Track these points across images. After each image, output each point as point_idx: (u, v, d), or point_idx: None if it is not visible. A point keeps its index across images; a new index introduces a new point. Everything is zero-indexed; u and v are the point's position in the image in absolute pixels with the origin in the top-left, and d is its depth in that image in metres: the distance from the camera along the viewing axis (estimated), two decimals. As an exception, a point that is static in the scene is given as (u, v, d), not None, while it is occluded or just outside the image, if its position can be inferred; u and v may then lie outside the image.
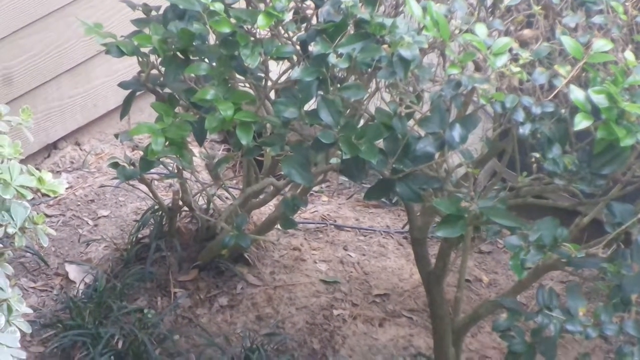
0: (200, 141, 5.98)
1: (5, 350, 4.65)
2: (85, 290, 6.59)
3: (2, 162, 4.97)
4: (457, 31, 5.07)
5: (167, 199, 6.94)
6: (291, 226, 6.28)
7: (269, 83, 5.85)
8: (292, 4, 5.56)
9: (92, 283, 6.66)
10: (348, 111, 5.54)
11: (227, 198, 6.90)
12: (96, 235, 7.18)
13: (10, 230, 4.78)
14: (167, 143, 5.77)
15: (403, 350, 6.39)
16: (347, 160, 5.34)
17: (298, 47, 5.50)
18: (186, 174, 6.65)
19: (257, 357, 6.04)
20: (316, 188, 7.46)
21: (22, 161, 4.97)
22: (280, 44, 5.53)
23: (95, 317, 6.29)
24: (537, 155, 5.09)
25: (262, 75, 5.77)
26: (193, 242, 6.91)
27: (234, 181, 7.41)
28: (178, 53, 5.75)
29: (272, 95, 5.93)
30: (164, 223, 6.91)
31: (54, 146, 7.56)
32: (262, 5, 5.61)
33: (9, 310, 4.66)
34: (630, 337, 5.14)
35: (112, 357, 6.12)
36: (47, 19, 7.21)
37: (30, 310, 4.94)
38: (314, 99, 5.37)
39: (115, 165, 6.17)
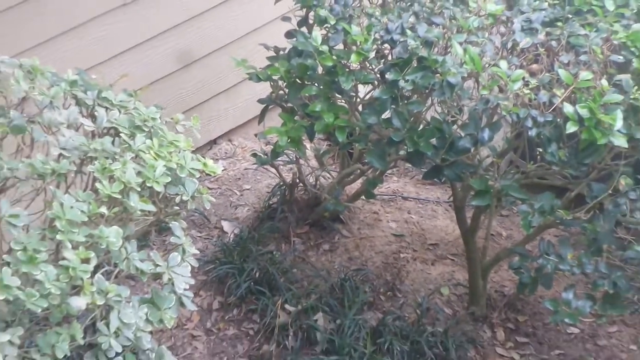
0: (311, 139, 6.08)
1: (180, 278, 4.71)
2: (234, 238, 6.76)
3: (179, 152, 5.07)
4: (487, 65, 5.32)
5: (288, 178, 6.97)
6: (372, 197, 6.49)
7: (358, 99, 6.13)
8: (374, 46, 5.63)
9: (239, 233, 6.83)
10: (412, 119, 5.62)
11: (328, 177, 7.12)
12: (241, 202, 7.35)
13: (184, 198, 4.93)
14: (288, 140, 5.94)
15: (447, 281, 6.51)
16: (411, 152, 5.55)
17: (378, 76, 5.68)
18: (301, 161, 6.94)
19: (349, 285, 6.11)
20: (389, 171, 7.55)
21: (192, 152, 5.14)
22: (366, 73, 5.74)
23: (240, 256, 6.42)
24: (540, 150, 5.38)
25: (353, 94, 6.04)
26: (305, 207, 7.03)
27: (333, 166, 7.45)
28: (297, 79, 5.95)
29: (360, 107, 6.08)
30: (286, 194, 7.05)
31: (214, 142, 7.76)
32: (354, 47, 5.66)
33: (184, 251, 4.74)
34: (602, 274, 5.29)
35: (251, 283, 6.24)
36: (209, 57, 7.28)
37: (197, 252, 5.06)
38: (388, 111, 5.57)
39: (255, 155, 6.69)
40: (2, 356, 4.20)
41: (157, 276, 4.70)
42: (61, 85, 4.98)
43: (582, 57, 5.30)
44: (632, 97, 5.14)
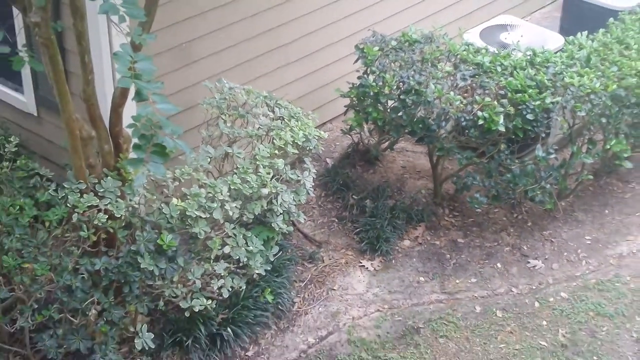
0: (366, 122, 5.83)
1: (308, 182, 4.86)
2: (331, 166, 6.16)
3: (309, 128, 5.06)
4: (444, 93, 5.24)
5: (356, 140, 6.20)
6: (392, 149, 6.10)
7: (387, 106, 5.63)
8: (395, 83, 5.42)
9: (333, 164, 6.19)
10: (411, 116, 5.40)
11: (373, 140, 6.18)
12: (335, 150, 6.41)
13: (310, 147, 5.02)
14: (356, 124, 5.85)
15: (424, 187, 6.02)
16: (410, 130, 5.46)
17: (397, 96, 5.44)
18: (362, 134, 6.09)
19: (379, 188, 5.88)
20: (401, 138, 6.14)
21: (316, 127, 5.24)
22: (391, 94, 5.46)
23: (333, 174, 6.00)
24: (467, 131, 5.41)
25: (385, 104, 5.65)
26: (363, 153, 6.24)
27: (375, 136, 6.24)
28: (361, 97, 5.68)
29: (388, 110, 5.64)
30: (355, 147, 6.21)
31: (325, 123, 6.50)
32: (387, 83, 5.40)
33: (309, 171, 4.90)
34: (492, 186, 5.44)
35: (338, 185, 5.93)
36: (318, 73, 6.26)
37: (315, 171, 5.07)
38: (401, 112, 5.43)
39: (342, 130, 6.19)
40: (235, 210, 4.39)
41: (297, 181, 4.86)
42: (260, 97, 5.12)
43: (487, 91, 5.30)
44: (508, 108, 5.18)
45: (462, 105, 5.26)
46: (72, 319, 3.99)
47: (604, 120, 5.42)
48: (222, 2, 5.20)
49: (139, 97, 2.63)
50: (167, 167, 3.54)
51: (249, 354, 4.73)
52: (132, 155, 2.74)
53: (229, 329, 4.64)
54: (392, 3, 6.40)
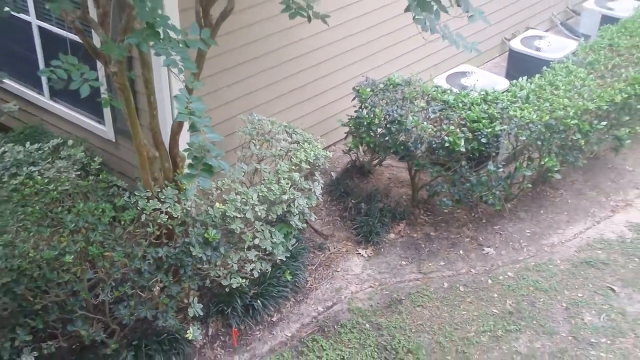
0: (361, 144, 5.73)
1: (317, 190, 4.78)
2: (334, 178, 6.00)
3: (318, 149, 4.94)
4: (419, 123, 5.13)
5: (354, 158, 6.02)
6: (380, 164, 5.92)
7: (377, 133, 5.48)
8: (383, 115, 5.30)
9: (336, 176, 6.01)
10: (395, 140, 5.29)
11: (366, 158, 6.00)
12: (338, 166, 6.23)
13: (319, 164, 4.90)
14: (354, 146, 5.78)
15: (405, 194, 5.87)
16: (394, 151, 5.34)
17: (385, 125, 5.33)
18: (358, 153, 5.93)
19: (371, 194, 5.73)
20: (388, 157, 5.97)
21: (323, 149, 5.05)
22: (380, 123, 5.38)
23: (337, 184, 5.87)
24: (437, 151, 5.31)
25: (375, 132, 5.52)
26: (359, 168, 6.06)
27: (367, 156, 6.05)
28: (357, 125, 5.54)
29: (378, 135, 5.54)
30: (353, 164, 6.04)
31: (329, 146, 6.13)
32: (377, 115, 5.33)
33: (318, 182, 4.83)
34: (459, 189, 5.33)
35: (340, 193, 5.79)
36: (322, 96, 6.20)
37: (322, 182, 5.11)
38: (387, 137, 5.32)
39: (343, 150, 5.97)
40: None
41: (309, 189, 4.74)
42: (281, 126, 4.99)
43: (451, 122, 5.19)
44: (467, 134, 5.11)
45: (432, 132, 5.23)
46: (141, 293, 4.00)
47: (539, 142, 5.41)
48: (252, 56, 5.17)
49: (193, 129, 2.67)
50: (212, 180, 3.52)
51: (274, 319, 4.73)
52: (186, 171, 2.71)
53: (258, 301, 4.64)
54: (380, 56, 6.35)
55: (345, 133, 5.92)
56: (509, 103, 5.41)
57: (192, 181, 2.67)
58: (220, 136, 2.74)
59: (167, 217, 3.99)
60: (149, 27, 2.73)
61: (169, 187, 4.13)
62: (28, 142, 4.65)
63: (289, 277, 4.76)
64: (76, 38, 4.01)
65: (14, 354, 3.74)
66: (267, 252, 4.41)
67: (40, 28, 4.81)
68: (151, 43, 2.76)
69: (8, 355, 3.74)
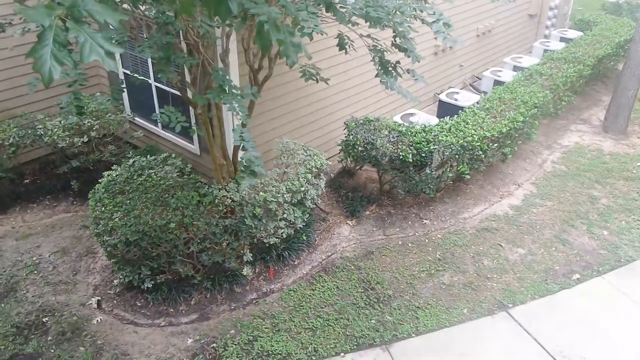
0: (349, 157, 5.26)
1: (321, 185, 4.47)
2: (331, 177, 5.60)
3: (321, 160, 4.45)
4: (385, 144, 4.78)
5: (344, 164, 5.55)
6: (360, 168, 5.80)
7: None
8: (361, 145, 4.92)
9: (332, 177, 5.59)
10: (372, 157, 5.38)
11: (352, 165, 5.55)
12: (334, 170, 5.71)
13: (323, 169, 4.47)
14: (345, 159, 5.38)
15: (375, 189, 5.50)
16: (369, 162, 5.13)
17: (360, 148, 4.95)
18: (347, 162, 5.56)
19: (357, 186, 5.54)
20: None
21: (326, 159, 4.64)
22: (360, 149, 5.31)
23: (334, 182, 5.50)
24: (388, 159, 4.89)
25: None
26: (347, 171, 5.58)
27: (353, 164, 5.56)
28: (349, 146, 5.08)
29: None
30: (344, 168, 5.57)
31: (329, 158, 5.55)
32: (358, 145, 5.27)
33: (323, 179, 4.56)
34: (406, 185, 5.08)
35: (336, 186, 5.40)
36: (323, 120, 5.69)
37: (324, 179, 4.77)
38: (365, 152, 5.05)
39: (339, 160, 5.42)
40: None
41: (317, 184, 4.40)
42: (300, 145, 4.64)
43: (404, 143, 4.94)
44: (413, 151, 4.95)
45: (392, 150, 5.06)
46: (215, 247, 3.95)
47: (457, 156, 5.33)
48: (282, 103, 5.06)
49: (243, 149, 2.73)
50: (257, 179, 3.51)
51: (295, 263, 4.61)
52: (240, 174, 2.76)
53: (286, 252, 4.53)
54: (360, 103, 6.10)
55: (339, 150, 5.66)
56: (438, 132, 5.25)
57: (243, 180, 2.69)
58: (259, 153, 2.73)
59: (231, 200, 3.94)
60: (220, 86, 2.79)
61: (231, 183, 4.05)
62: (148, 155, 4.65)
63: (304, 238, 4.66)
64: (177, 92, 4.19)
65: (140, 281, 3.89)
66: (291, 222, 4.32)
67: (156, 87, 4.85)
68: (221, 96, 2.79)
69: (137, 282, 3.92)
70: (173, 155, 4.74)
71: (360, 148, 5.31)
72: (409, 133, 5.26)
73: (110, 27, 2.84)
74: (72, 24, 1.00)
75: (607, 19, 8.23)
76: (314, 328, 3.72)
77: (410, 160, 5.05)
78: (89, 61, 1.08)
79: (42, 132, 4.38)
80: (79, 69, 2.57)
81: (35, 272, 3.93)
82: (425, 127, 5.41)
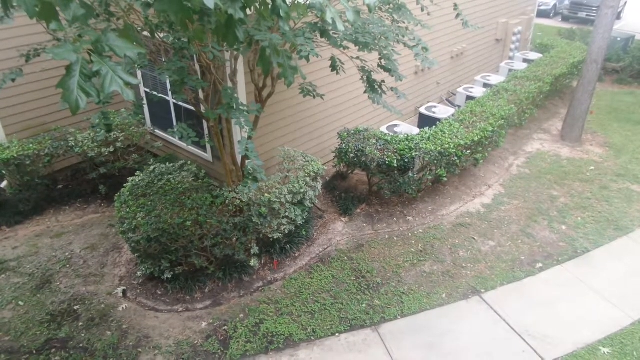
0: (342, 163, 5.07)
1: (318, 187, 4.36)
2: (327, 180, 5.43)
3: (318, 166, 4.25)
4: (374, 152, 4.60)
5: (338, 169, 5.31)
6: (352, 172, 5.54)
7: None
8: (352, 152, 4.68)
9: (327, 180, 5.42)
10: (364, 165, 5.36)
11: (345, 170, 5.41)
12: (329, 174, 5.45)
13: (319, 174, 4.26)
14: (339, 165, 5.15)
15: (366, 190, 5.39)
16: (360, 167, 5.01)
17: (352, 155, 4.75)
18: (340, 167, 5.36)
19: (351, 186, 5.33)
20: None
21: (322, 165, 4.49)
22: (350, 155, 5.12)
23: (329, 184, 5.29)
24: (381, 164, 4.69)
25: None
26: (340, 175, 5.37)
27: (346, 169, 5.29)
28: (341, 154, 4.87)
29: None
30: (338, 172, 5.37)
31: (324, 165, 5.19)
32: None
33: (320, 183, 4.37)
34: (394, 187, 4.97)
35: (331, 187, 5.24)
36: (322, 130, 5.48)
37: (321, 183, 4.78)
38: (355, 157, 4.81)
39: (334, 166, 5.19)
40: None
41: (314, 186, 4.39)
42: (299, 153, 4.53)
43: (389, 150, 4.88)
44: (397, 157, 4.79)
45: (379, 156, 4.96)
46: (226, 242, 3.93)
47: (435, 161, 5.29)
48: (283, 116, 4.98)
49: (248, 157, 2.74)
50: (261, 183, 3.49)
51: (296, 255, 4.57)
52: (245, 180, 2.84)
53: (288, 246, 4.50)
54: (352, 116, 6.01)
55: (334, 156, 5.54)
56: (419, 140, 5.15)
57: (248, 184, 2.78)
58: (262, 162, 2.78)
59: (240, 201, 3.92)
60: (229, 103, 2.79)
61: (240, 186, 3.97)
62: (167, 162, 4.64)
63: (304, 233, 4.62)
64: (192, 108, 4.22)
65: (160, 272, 3.89)
66: (292, 220, 4.30)
67: (173, 103, 4.80)
68: (229, 112, 2.79)
69: (157, 273, 3.92)
70: (189, 162, 4.69)
71: (351, 155, 5.23)
72: (394, 141, 5.17)
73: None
74: (96, 57, 1.01)
75: (563, 43, 8.53)
76: (312, 312, 3.73)
77: (395, 165, 4.97)
78: (109, 92, 1.06)
79: (73, 144, 4.50)
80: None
81: (68, 266, 4.00)
82: (408, 136, 5.30)
